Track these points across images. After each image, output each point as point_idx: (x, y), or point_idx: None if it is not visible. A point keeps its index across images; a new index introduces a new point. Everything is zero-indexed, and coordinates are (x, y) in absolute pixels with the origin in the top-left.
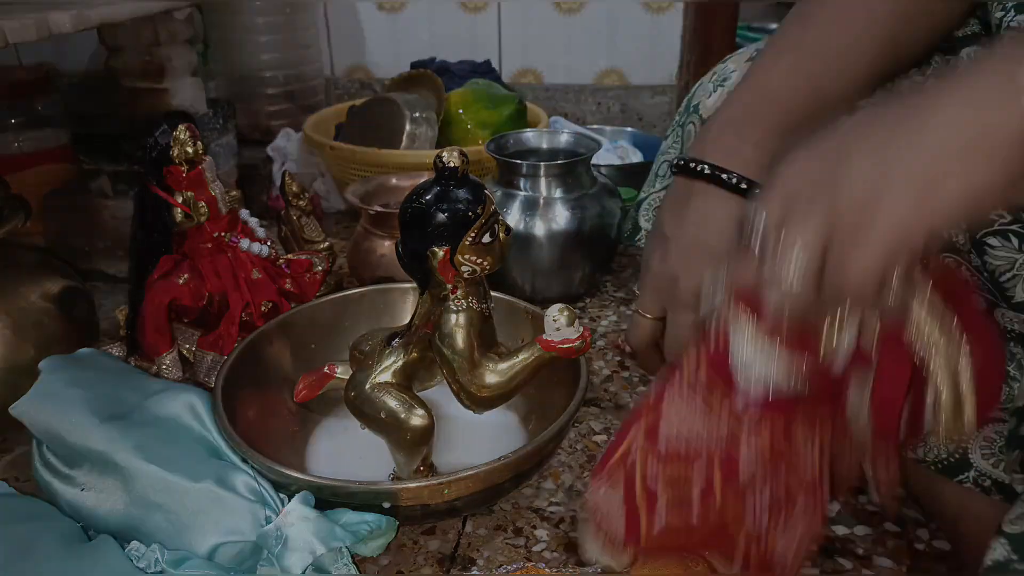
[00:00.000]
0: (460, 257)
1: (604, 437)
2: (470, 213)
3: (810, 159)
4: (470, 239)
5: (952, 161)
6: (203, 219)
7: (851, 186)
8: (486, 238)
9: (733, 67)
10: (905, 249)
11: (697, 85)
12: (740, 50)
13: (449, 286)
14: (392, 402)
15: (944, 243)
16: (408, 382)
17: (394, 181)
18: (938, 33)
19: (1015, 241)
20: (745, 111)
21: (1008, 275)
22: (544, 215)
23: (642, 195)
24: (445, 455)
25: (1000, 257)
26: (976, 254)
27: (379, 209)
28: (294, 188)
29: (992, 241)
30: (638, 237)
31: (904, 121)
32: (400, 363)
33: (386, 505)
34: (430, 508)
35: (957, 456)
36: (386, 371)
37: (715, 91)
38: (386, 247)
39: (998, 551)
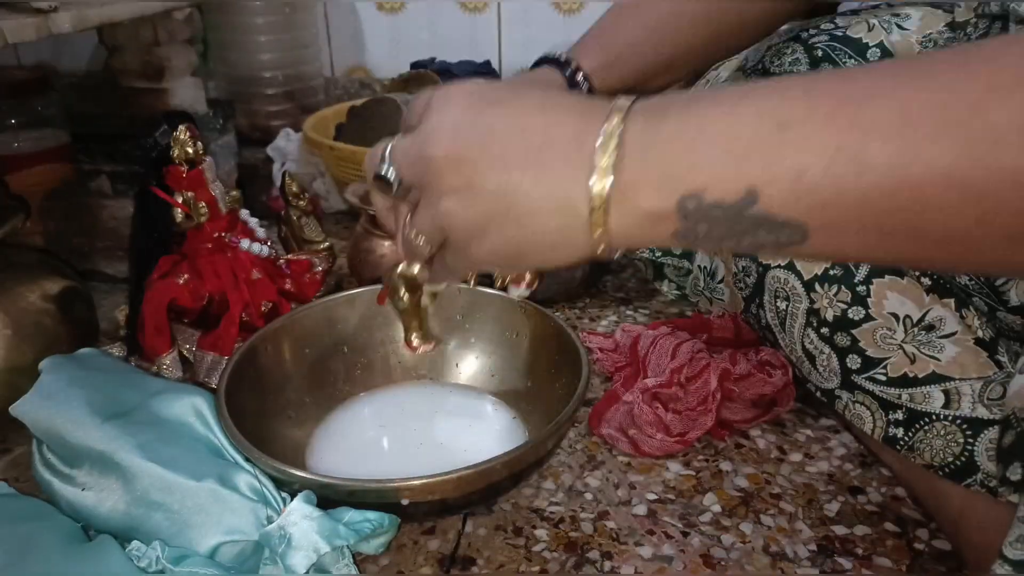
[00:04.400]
0: None
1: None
2: None
3: (457, 139)
4: None
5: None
6: (203, 219)
7: (473, 214)
8: None
9: (725, 74)
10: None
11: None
12: (731, 57)
13: None
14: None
15: None
16: None
17: None
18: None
19: None
20: (580, 40)
21: (1002, 279)
22: None
23: None
24: (445, 453)
25: None
26: None
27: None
28: (294, 188)
29: None
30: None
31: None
32: None
33: (404, 502)
34: (424, 507)
35: (964, 459)
36: None
37: None
38: (386, 247)
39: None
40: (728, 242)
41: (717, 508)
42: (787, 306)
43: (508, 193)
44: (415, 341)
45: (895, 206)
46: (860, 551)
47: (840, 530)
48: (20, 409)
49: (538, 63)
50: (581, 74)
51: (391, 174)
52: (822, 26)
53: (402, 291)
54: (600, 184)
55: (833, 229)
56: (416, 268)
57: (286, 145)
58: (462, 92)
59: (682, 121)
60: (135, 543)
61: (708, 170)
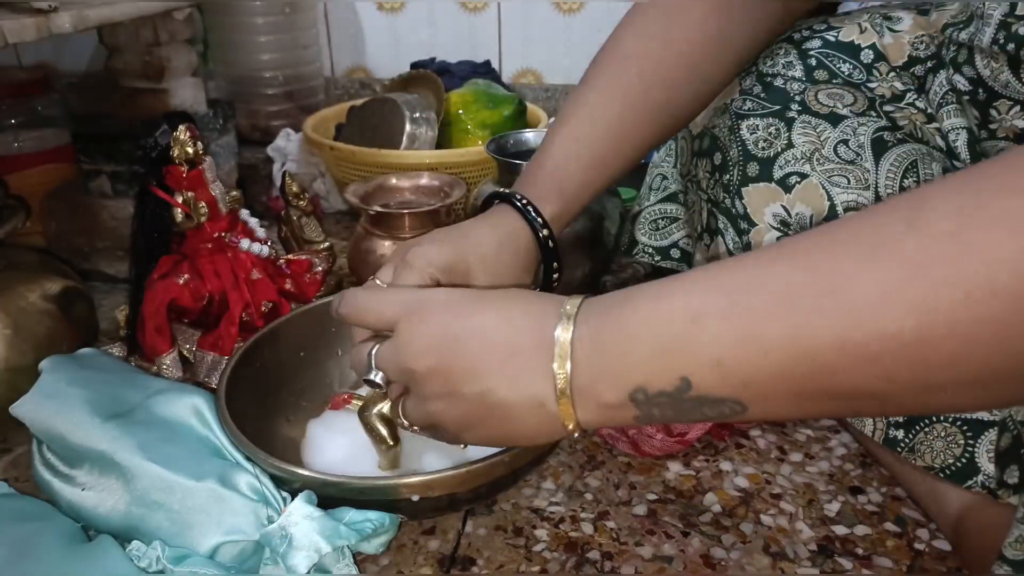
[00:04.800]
0: None
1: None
2: None
3: (434, 353)
4: None
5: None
6: (203, 219)
7: (459, 414)
8: None
9: None
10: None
11: None
12: None
13: None
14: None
15: None
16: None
17: (394, 181)
18: (716, 84)
19: None
20: (532, 176)
21: None
22: None
23: (636, 208)
24: (444, 452)
25: None
26: None
27: (379, 209)
28: (294, 188)
29: None
30: (635, 251)
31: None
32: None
33: (415, 498)
34: (428, 503)
35: (964, 461)
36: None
37: None
38: (386, 247)
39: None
40: (683, 417)
41: (717, 508)
42: None
43: (487, 397)
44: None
45: (803, 374)
46: (860, 551)
47: (840, 530)
48: (20, 409)
49: (495, 197)
50: (544, 227)
51: (379, 378)
52: (815, 27)
53: (382, 429)
54: (561, 387)
55: (764, 400)
56: (389, 407)
57: (286, 145)
58: (431, 309)
59: (618, 327)
60: (135, 543)
61: (645, 368)
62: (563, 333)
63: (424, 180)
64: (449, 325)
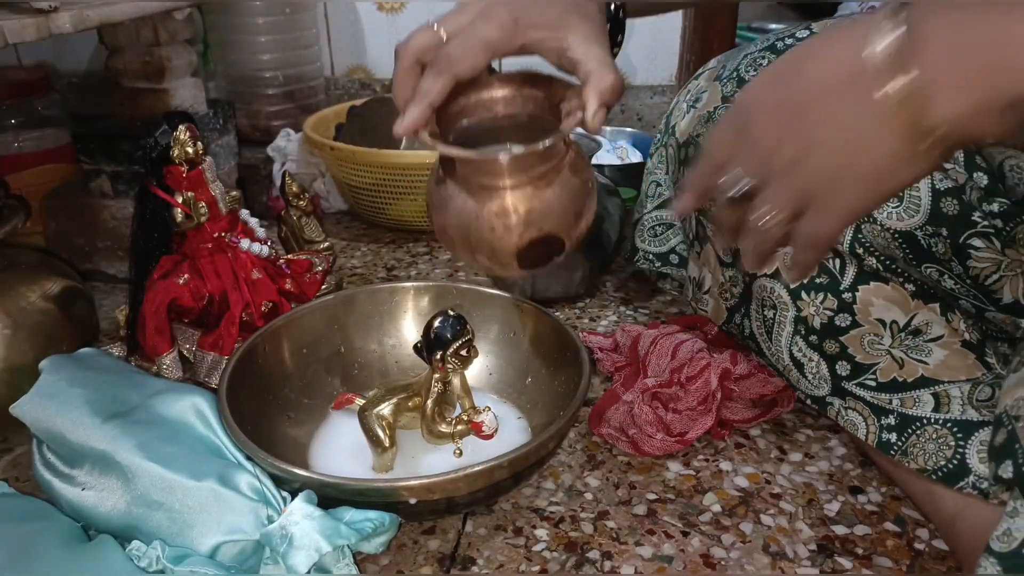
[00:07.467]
0: (448, 357)
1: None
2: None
3: (779, 119)
4: (452, 349)
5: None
6: (203, 219)
7: (819, 170)
8: (463, 351)
9: (704, 85)
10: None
11: (674, 103)
12: (710, 64)
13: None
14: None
15: (924, 254)
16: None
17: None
18: None
19: (997, 243)
20: None
21: (994, 277)
22: None
23: (636, 216)
24: (447, 453)
25: (984, 259)
26: (958, 261)
27: (473, 157)
28: (294, 188)
29: (976, 243)
30: (636, 257)
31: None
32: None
33: (412, 500)
34: (429, 505)
35: (956, 462)
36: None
37: (688, 112)
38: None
39: (988, 570)
40: None
41: (717, 508)
42: (774, 314)
43: (847, 146)
44: (383, 472)
45: None
46: (860, 551)
47: (840, 530)
48: (20, 409)
49: None
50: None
51: (745, 185)
52: (797, 35)
53: (379, 431)
54: (906, 91)
55: None
56: (389, 410)
57: (286, 145)
58: (756, 102)
59: (993, 33)
60: (135, 543)
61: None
62: (888, 35)
63: (524, 87)
64: (777, 105)
